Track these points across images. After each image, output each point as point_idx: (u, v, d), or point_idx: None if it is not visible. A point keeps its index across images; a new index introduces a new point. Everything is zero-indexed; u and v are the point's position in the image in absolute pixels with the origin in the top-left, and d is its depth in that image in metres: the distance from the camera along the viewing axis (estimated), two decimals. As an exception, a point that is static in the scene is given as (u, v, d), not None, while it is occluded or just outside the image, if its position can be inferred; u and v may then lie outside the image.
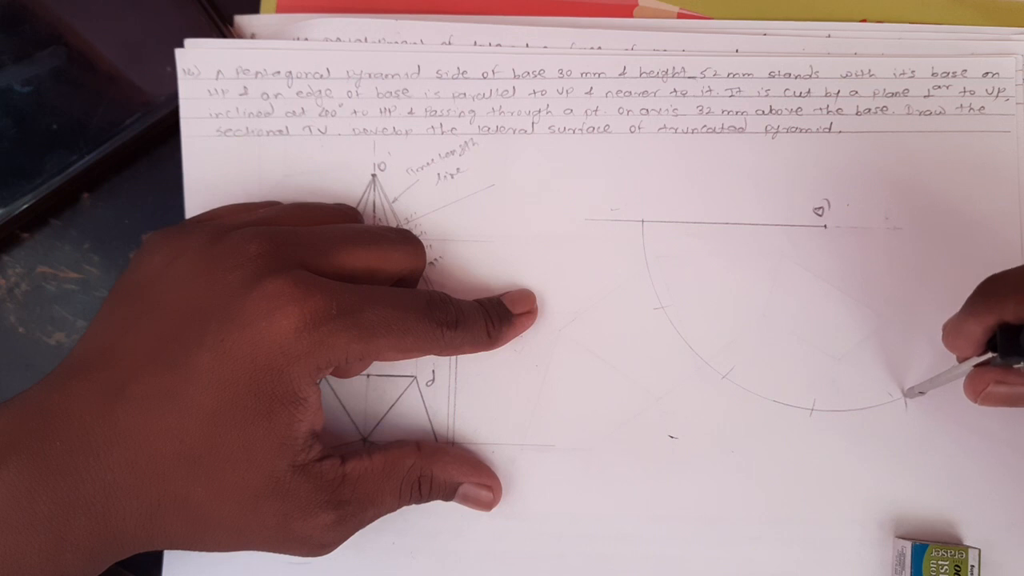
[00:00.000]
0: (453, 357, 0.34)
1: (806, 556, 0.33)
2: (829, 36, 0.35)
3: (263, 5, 0.37)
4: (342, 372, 0.32)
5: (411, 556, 0.33)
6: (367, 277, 0.29)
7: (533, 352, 0.34)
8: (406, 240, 0.31)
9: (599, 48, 0.35)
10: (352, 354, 0.27)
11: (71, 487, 0.25)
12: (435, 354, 0.30)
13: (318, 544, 0.28)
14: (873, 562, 0.33)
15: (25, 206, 0.35)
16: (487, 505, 0.32)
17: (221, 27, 0.36)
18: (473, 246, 0.35)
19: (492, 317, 0.32)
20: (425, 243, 0.34)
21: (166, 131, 0.36)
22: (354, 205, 0.35)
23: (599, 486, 0.33)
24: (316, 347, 0.26)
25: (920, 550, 0.31)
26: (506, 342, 0.33)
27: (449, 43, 0.35)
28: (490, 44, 0.35)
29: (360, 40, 0.35)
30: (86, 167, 0.35)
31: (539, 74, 0.35)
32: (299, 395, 0.26)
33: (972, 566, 0.31)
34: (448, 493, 0.32)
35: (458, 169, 0.35)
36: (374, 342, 0.27)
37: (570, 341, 0.34)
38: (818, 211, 0.34)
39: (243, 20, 0.36)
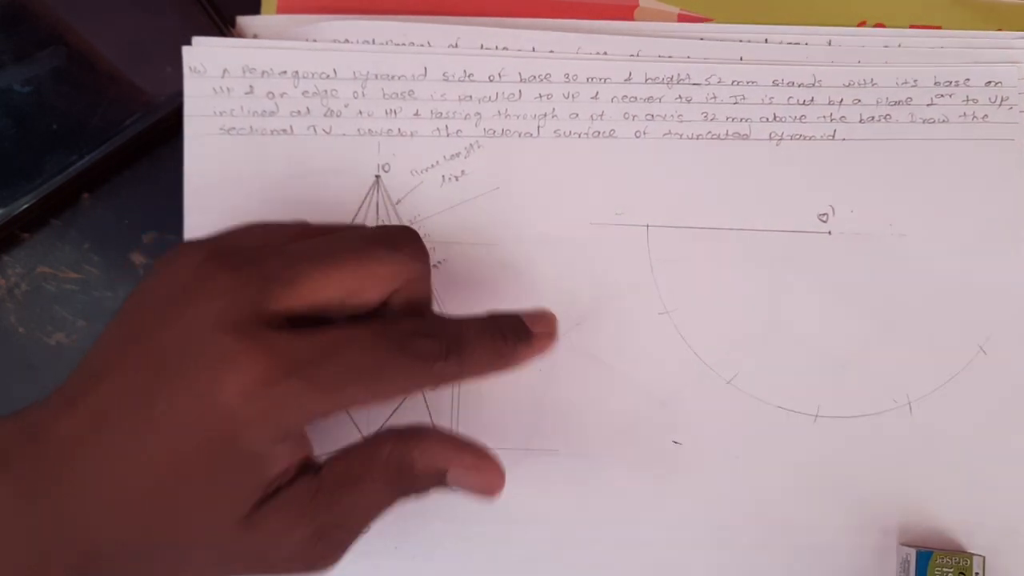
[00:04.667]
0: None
1: (810, 563, 0.33)
2: (830, 42, 0.35)
3: (264, 5, 0.37)
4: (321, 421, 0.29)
5: (412, 560, 0.33)
6: (347, 305, 0.26)
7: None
8: (397, 246, 0.27)
9: (605, 53, 0.35)
10: (313, 413, 0.24)
11: (54, 514, 0.24)
12: (431, 389, 0.28)
13: (304, 562, 0.26)
14: (877, 569, 0.33)
15: (25, 206, 0.34)
16: (481, 490, 0.28)
17: (222, 27, 0.35)
18: (477, 249, 0.34)
19: (506, 334, 0.28)
20: (428, 246, 0.34)
21: (166, 131, 0.35)
22: (356, 206, 0.34)
23: (603, 492, 0.33)
24: (268, 411, 0.23)
25: (925, 557, 0.31)
26: (524, 363, 0.28)
27: (456, 46, 0.35)
28: (496, 47, 0.35)
29: (368, 42, 0.35)
30: (86, 167, 0.35)
31: (545, 78, 0.35)
32: (257, 456, 0.24)
33: (977, 573, 0.31)
34: (438, 479, 0.27)
35: (463, 172, 0.35)
36: (339, 395, 0.24)
37: (574, 346, 0.34)
38: (822, 217, 0.34)
39: (245, 21, 0.36)
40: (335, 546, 0.27)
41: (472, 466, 0.27)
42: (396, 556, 0.33)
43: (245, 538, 0.25)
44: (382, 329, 0.25)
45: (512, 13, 0.36)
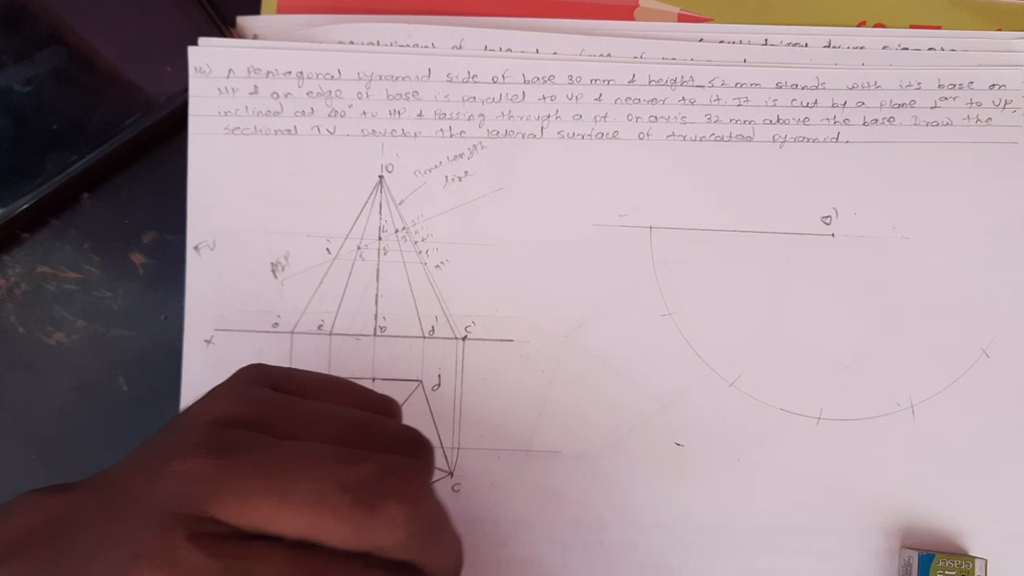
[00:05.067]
0: (459, 361, 0.34)
1: (812, 565, 0.33)
2: (830, 43, 0.35)
3: (264, 5, 0.37)
4: None
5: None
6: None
7: (540, 358, 0.34)
8: (373, 506, 0.20)
9: (608, 55, 0.35)
10: None
11: None
12: None
13: None
14: (879, 572, 0.33)
15: (25, 206, 0.34)
16: None
17: (222, 27, 0.35)
18: (480, 250, 0.34)
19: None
20: (432, 245, 0.34)
21: (166, 131, 0.36)
22: (360, 207, 0.35)
23: (605, 493, 0.33)
24: None
25: (927, 560, 0.31)
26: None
27: (460, 47, 0.35)
28: (500, 49, 0.35)
29: (372, 43, 0.35)
30: (86, 167, 0.35)
31: (549, 79, 0.35)
32: None
33: (979, 576, 0.31)
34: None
35: (466, 172, 0.35)
36: None
37: (577, 347, 0.34)
38: (826, 220, 0.34)
39: (245, 21, 0.36)
40: None
41: None
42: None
43: None
44: (314, 563, 0.20)
45: (512, 12, 0.36)
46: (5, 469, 0.35)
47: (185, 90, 0.35)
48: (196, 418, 0.23)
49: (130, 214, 0.36)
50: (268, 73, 0.34)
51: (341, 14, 0.36)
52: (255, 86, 0.34)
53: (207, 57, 0.34)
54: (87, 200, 0.36)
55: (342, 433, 0.22)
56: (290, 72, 0.34)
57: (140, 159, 0.36)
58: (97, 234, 0.36)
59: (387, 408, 0.26)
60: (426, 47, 0.35)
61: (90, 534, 0.22)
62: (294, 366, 0.34)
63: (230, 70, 0.34)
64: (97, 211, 0.36)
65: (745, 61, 0.35)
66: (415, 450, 0.23)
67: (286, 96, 0.34)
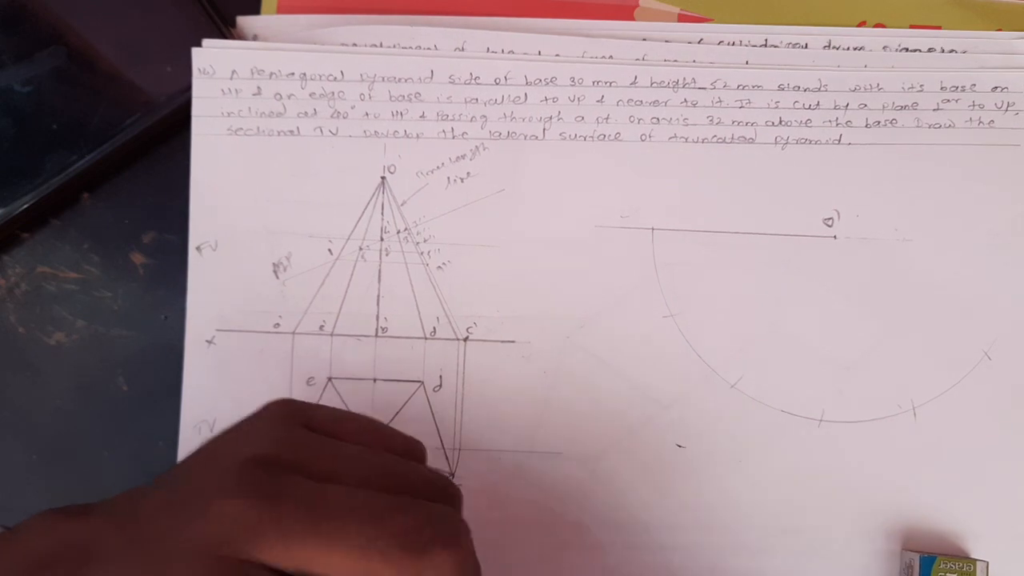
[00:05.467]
0: (460, 362, 0.34)
1: (813, 567, 0.33)
2: (830, 43, 0.35)
3: (264, 5, 0.37)
4: None
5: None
6: None
7: (541, 359, 0.34)
8: (425, 552, 0.21)
9: (610, 57, 0.35)
10: None
11: None
12: None
13: None
14: (881, 574, 0.33)
15: (25, 206, 0.34)
16: None
17: (222, 27, 0.35)
18: (482, 251, 0.34)
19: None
20: (434, 246, 0.34)
21: (166, 131, 0.36)
22: (362, 207, 0.35)
23: (606, 495, 0.33)
24: None
25: (928, 562, 0.31)
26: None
27: (462, 49, 0.35)
28: (503, 51, 0.35)
29: (375, 45, 0.35)
30: (86, 167, 0.35)
31: (551, 81, 0.35)
32: None
33: (981, 579, 0.31)
34: None
35: (468, 173, 0.35)
36: None
37: (578, 348, 0.34)
38: (828, 222, 0.34)
39: (245, 21, 0.36)
40: None
41: None
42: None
43: None
44: None
45: (513, 12, 0.36)
46: (5, 469, 0.35)
47: (185, 90, 0.35)
48: (233, 456, 0.23)
49: (130, 214, 0.36)
50: (271, 74, 0.34)
51: (342, 13, 0.36)
52: (258, 87, 0.34)
53: (211, 58, 0.34)
54: (87, 200, 0.36)
55: (380, 479, 0.23)
56: (293, 73, 0.34)
57: (140, 159, 0.36)
58: (97, 234, 0.36)
59: (416, 450, 0.26)
60: (428, 49, 0.35)
61: (114, 568, 0.21)
62: (294, 367, 0.34)
63: (233, 71, 0.34)
64: (97, 211, 0.36)
65: (747, 63, 0.35)
66: (451, 498, 0.24)
67: (289, 97, 0.35)
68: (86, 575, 0.22)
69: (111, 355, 0.35)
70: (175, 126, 0.35)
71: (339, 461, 0.23)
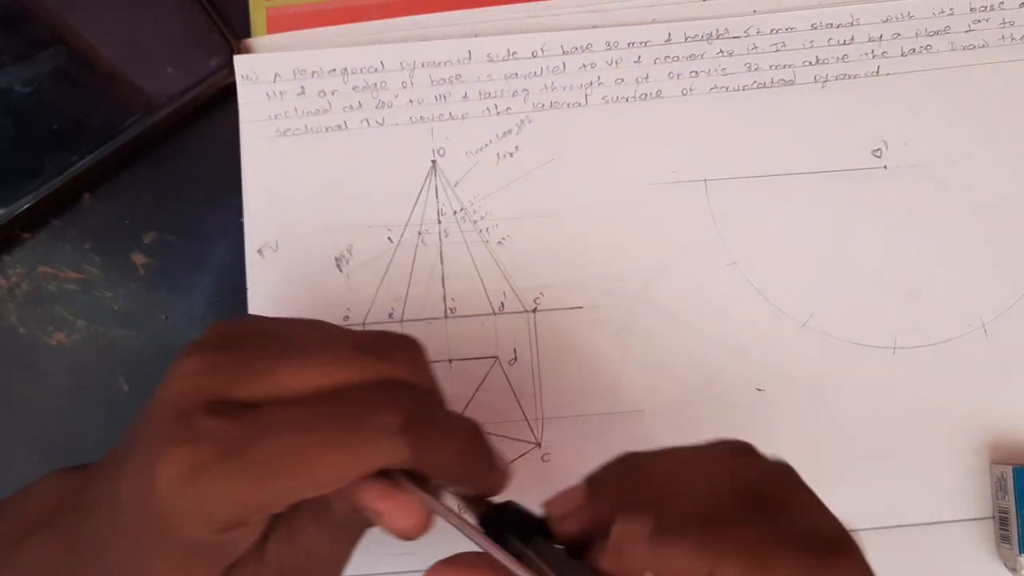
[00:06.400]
0: (532, 333, 0.34)
1: (906, 491, 0.33)
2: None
3: (254, 28, 0.36)
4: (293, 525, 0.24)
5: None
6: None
7: (612, 321, 0.34)
8: (384, 355, 0.23)
9: (653, 21, 0.35)
10: (245, 506, 0.21)
11: (97, 566, 0.23)
12: (391, 468, 0.21)
13: None
14: (973, 490, 0.33)
15: (26, 206, 0.34)
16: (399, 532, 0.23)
17: (222, 27, 0.35)
18: (539, 222, 0.35)
19: (488, 451, 0.23)
20: (492, 222, 0.35)
21: (167, 131, 0.36)
22: (416, 193, 0.35)
23: (693, 445, 0.33)
24: (200, 502, 0.21)
25: (1021, 472, 0.31)
26: (475, 489, 0.24)
27: (468, 59, 0.35)
28: (509, 52, 0.35)
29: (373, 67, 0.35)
30: (87, 167, 0.34)
31: (587, 48, 0.35)
32: (207, 544, 0.22)
33: (1075, 482, 0.31)
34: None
35: (516, 148, 0.35)
36: (266, 486, 0.21)
37: (648, 306, 0.34)
38: (876, 153, 0.35)
39: (246, 44, 0.36)
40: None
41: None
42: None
43: None
44: (333, 403, 0.21)
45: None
46: (5, 469, 0.35)
47: (186, 90, 0.35)
48: (187, 346, 0.23)
49: (131, 214, 0.36)
50: (313, 73, 0.35)
51: (336, 25, 0.36)
52: (302, 87, 0.35)
53: (252, 64, 0.35)
54: (88, 200, 0.36)
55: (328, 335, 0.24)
56: (334, 69, 0.35)
57: (141, 159, 0.36)
58: (98, 234, 0.36)
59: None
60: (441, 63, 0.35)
61: (104, 514, 0.23)
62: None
63: (276, 74, 0.35)
64: (98, 211, 0.36)
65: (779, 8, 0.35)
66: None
67: (333, 93, 0.35)
68: (83, 522, 0.24)
69: (112, 355, 0.35)
70: (176, 126, 0.35)
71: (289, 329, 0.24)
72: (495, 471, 0.24)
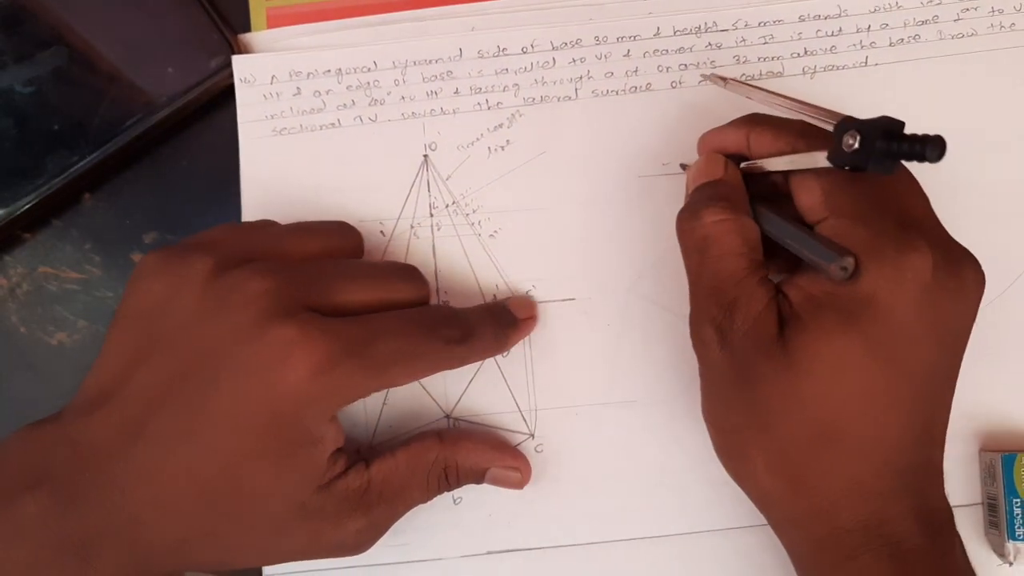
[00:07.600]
0: (525, 325, 0.35)
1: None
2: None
3: (254, 28, 0.37)
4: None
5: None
6: (372, 310, 0.28)
7: (604, 312, 0.35)
8: (408, 276, 0.31)
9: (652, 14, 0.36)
10: (366, 391, 0.27)
11: (99, 517, 0.25)
12: (446, 369, 0.31)
13: (352, 547, 0.29)
14: (962, 478, 0.33)
15: (27, 206, 0.35)
16: (517, 484, 0.33)
17: (222, 28, 0.36)
18: (531, 214, 0.35)
19: (501, 323, 0.32)
20: (484, 216, 0.35)
21: (167, 131, 0.36)
22: (408, 186, 0.35)
23: (687, 436, 0.34)
24: (329, 391, 0.26)
25: (1010, 460, 0.32)
26: (512, 346, 0.33)
27: (460, 55, 0.36)
28: (499, 49, 0.36)
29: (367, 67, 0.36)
30: (87, 167, 0.35)
31: (576, 43, 0.36)
32: (316, 435, 0.26)
33: (1064, 468, 0.31)
34: (477, 477, 0.32)
35: (508, 141, 0.35)
36: (386, 375, 0.27)
37: (639, 298, 0.35)
38: (865, 143, 0.35)
39: (245, 38, 0.37)
40: (375, 535, 0.29)
41: (511, 466, 0.32)
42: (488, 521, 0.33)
43: (303, 524, 0.27)
44: (416, 316, 0.29)
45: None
46: None
47: (187, 90, 0.35)
48: (198, 263, 0.28)
49: (131, 214, 0.37)
50: (308, 74, 0.35)
51: (331, 20, 0.37)
52: (297, 88, 0.35)
53: (250, 66, 0.35)
54: (88, 200, 0.37)
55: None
56: (329, 70, 0.35)
57: (141, 159, 0.37)
58: (98, 234, 0.37)
59: (351, 234, 0.33)
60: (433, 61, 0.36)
61: (119, 461, 0.26)
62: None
63: (273, 76, 0.35)
64: (98, 211, 0.37)
65: None
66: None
67: (327, 93, 0.35)
68: (92, 472, 0.25)
69: (112, 355, 0.36)
70: (176, 126, 0.36)
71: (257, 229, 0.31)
72: (516, 336, 0.33)
